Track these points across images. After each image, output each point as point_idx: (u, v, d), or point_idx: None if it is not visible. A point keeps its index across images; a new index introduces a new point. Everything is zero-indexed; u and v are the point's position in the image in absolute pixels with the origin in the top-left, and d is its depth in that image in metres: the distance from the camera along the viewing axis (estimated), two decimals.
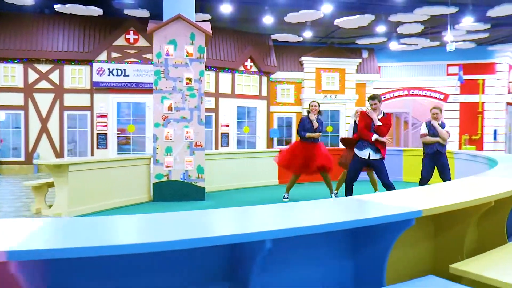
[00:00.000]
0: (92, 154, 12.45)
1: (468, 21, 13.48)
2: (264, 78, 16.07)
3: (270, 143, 16.22)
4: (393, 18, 13.15)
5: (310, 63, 17.35)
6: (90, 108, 12.63)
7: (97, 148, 12.45)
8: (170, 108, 7.73)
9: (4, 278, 1.77)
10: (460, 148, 17.17)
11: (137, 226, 2.34)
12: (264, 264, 2.35)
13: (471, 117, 17.69)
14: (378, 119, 6.58)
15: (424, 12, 12.53)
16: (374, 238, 2.82)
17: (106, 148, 12.47)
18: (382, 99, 19.51)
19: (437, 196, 3.37)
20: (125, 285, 2.12)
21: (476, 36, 15.42)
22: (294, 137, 17.50)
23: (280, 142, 17.09)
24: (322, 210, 2.86)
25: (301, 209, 2.89)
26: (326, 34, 16.53)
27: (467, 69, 17.76)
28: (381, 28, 14.90)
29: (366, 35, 16.56)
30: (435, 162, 7.42)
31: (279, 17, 13.06)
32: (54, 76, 12.67)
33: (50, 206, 6.65)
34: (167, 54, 7.72)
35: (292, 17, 12.54)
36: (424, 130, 7.55)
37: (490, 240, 3.61)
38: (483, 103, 17.97)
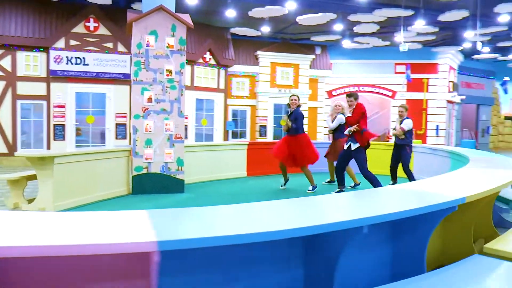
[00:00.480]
0: (48, 147, 11.92)
1: (420, 24, 14.26)
2: (222, 71, 16.10)
3: (226, 136, 16.30)
4: (353, 17, 13.66)
5: (266, 57, 17.57)
6: (46, 97, 12.05)
7: (54, 139, 11.93)
8: (150, 100, 7.62)
9: (141, 268, 1.80)
10: None
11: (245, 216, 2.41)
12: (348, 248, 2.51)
13: (416, 113, 18.71)
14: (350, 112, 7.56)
15: (382, 14, 13.13)
16: (415, 226, 3.05)
17: (64, 140, 11.97)
18: (333, 94, 20.12)
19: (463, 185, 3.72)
20: (221, 273, 2.19)
21: (424, 38, 16.36)
22: (248, 130, 17.72)
23: (234, 135, 17.24)
24: (381, 200, 3.05)
25: (367, 200, 3.06)
26: (283, 30, 16.78)
27: (413, 68, 18.76)
28: (338, 26, 15.41)
29: (321, 32, 17.02)
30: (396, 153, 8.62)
31: (243, 11, 13.13)
32: (6, 63, 11.95)
33: (29, 201, 6.36)
34: (148, 45, 7.59)
35: (257, 12, 12.66)
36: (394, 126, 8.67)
37: None
38: (427, 100, 19.10)
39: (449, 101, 19.55)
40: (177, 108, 7.78)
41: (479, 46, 14.76)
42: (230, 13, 13.26)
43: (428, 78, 19.12)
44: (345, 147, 7.67)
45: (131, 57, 12.00)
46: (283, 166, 8.51)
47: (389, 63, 19.53)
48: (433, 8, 13.27)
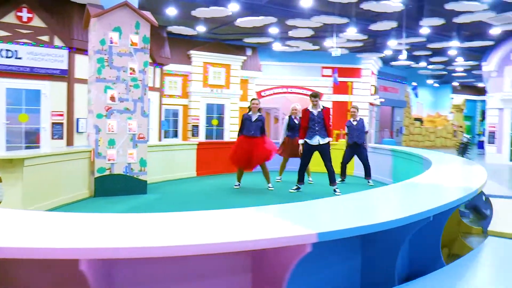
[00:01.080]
0: None
1: (351, 31, 15.15)
2: (158, 70, 15.81)
3: (160, 136, 16.05)
4: (291, 22, 14.14)
5: (199, 57, 17.55)
6: None
7: None
8: (113, 99, 7.37)
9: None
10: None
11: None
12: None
13: (342, 114, 19.79)
14: (319, 111, 8.02)
15: (320, 20, 13.75)
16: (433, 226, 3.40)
17: None
18: (262, 95, 20.59)
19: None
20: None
21: (352, 44, 17.37)
22: (181, 130, 17.59)
23: (167, 134, 17.03)
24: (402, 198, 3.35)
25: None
26: (218, 30, 16.87)
27: (339, 72, 19.81)
28: (273, 30, 15.86)
29: (254, 34, 17.37)
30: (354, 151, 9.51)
31: (186, 10, 13.04)
32: None
33: None
34: (111, 42, 7.33)
35: (200, 12, 12.64)
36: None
37: None
38: (351, 102, 20.26)
39: (370, 104, 20.92)
40: (140, 108, 7.61)
41: (404, 54, 16.03)
42: (171, 11, 13.10)
43: (352, 82, 20.30)
44: (310, 142, 7.96)
45: (69, 51, 11.56)
46: (240, 174, 8.66)
47: (317, 66, 20.42)
48: (366, 18, 14.19)
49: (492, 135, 16.53)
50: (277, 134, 24.06)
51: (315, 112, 8.05)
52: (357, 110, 9.57)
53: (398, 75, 24.83)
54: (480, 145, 21.85)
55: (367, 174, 9.49)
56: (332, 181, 8.14)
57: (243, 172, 8.66)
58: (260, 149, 8.27)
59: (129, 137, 7.52)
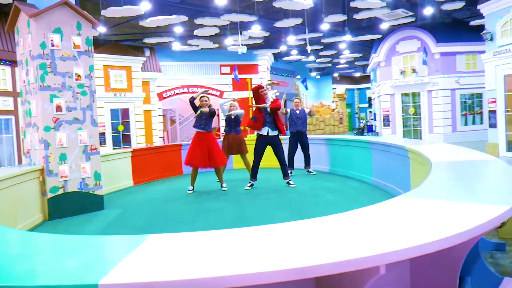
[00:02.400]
0: None
1: (256, 29, 15.49)
2: None
3: None
4: (199, 21, 13.96)
5: (99, 60, 16.42)
6: None
7: None
8: (59, 108, 6.60)
9: None
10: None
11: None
12: None
13: (245, 110, 20.07)
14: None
15: (229, 18, 13.80)
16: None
17: None
18: (164, 96, 20.16)
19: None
20: None
21: (253, 41, 17.73)
22: None
23: None
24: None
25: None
26: (118, 31, 15.99)
27: (238, 69, 20.08)
28: (178, 29, 15.53)
29: (154, 34, 16.84)
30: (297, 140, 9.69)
31: (95, 10, 12.12)
32: None
33: None
34: (53, 45, 6.55)
35: (112, 12, 11.85)
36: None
37: None
38: (252, 98, 20.69)
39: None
40: (90, 116, 6.93)
41: (308, 48, 16.80)
42: None
43: (251, 78, 20.73)
44: (260, 132, 8.06)
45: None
46: (195, 175, 8.32)
47: (215, 64, 20.47)
48: (273, 15, 14.61)
49: (387, 118, 18.22)
50: (174, 136, 23.71)
51: (266, 104, 8.13)
52: (300, 101, 9.82)
53: (288, 69, 25.98)
54: (369, 128, 23.92)
55: (307, 163, 9.80)
56: (285, 174, 8.29)
57: (197, 174, 8.36)
58: (217, 149, 8.09)
59: (81, 149, 6.81)
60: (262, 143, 8.17)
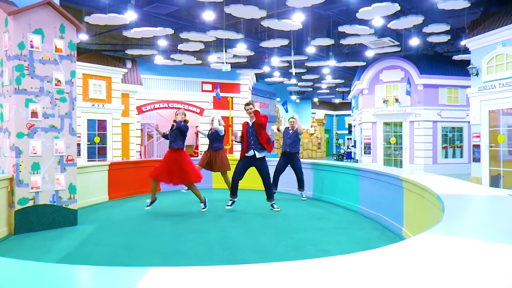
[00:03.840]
0: None
1: (241, 47, 15.32)
2: None
3: None
4: (185, 35, 13.69)
5: (78, 68, 15.80)
6: None
7: None
8: (35, 114, 6.14)
9: None
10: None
11: None
12: None
13: (225, 129, 19.80)
14: (252, 122, 7.64)
15: (215, 34, 13.58)
16: None
17: None
18: (143, 110, 19.82)
19: None
20: None
21: (237, 60, 17.54)
22: None
23: None
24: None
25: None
26: (100, 40, 15.58)
27: (220, 87, 19.82)
28: (162, 42, 15.23)
29: (138, 46, 16.51)
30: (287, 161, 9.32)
31: (78, 15, 11.73)
32: None
33: None
34: (32, 46, 6.13)
35: (95, 19, 11.47)
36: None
37: None
38: (232, 117, 20.43)
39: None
40: (68, 125, 6.48)
41: (293, 71, 16.69)
42: None
43: (232, 97, 20.48)
44: (246, 154, 7.64)
45: None
46: (155, 186, 7.81)
47: (197, 81, 20.16)
48: (259, 35, 14.47)
49: (368, 146, 18.16)
50: (151, 152, 23.14)
51: (250, 123, 7.72)
52: (296, 121, 9.44)
53: (268, 91, 25.87)
54: (348, 155, 23.87)
55: (301, 185, 9.34)
56: (269, 196, 7.85)
57: (157, 186, 7.90)
58: (186, 166, 7.65)
59: (56, 159, 6.34)
60: (247, 163, 7.78)
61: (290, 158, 9.23)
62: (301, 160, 9.69)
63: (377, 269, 1.82)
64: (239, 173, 7.78)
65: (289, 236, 5.82)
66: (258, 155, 7.63)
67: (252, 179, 9.31)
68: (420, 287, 1.57)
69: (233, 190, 7.87)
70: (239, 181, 7.87)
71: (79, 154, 15.41)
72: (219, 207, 8.10)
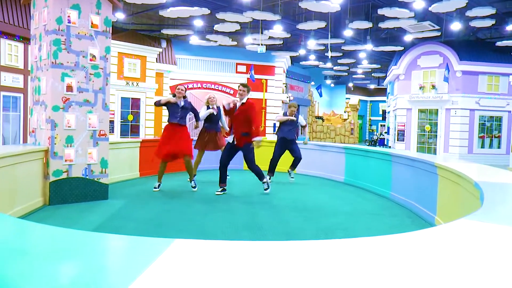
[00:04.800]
0: None
1: (278, 29, 15.11)
2: None
3: None
4: (221, 15, 13.60)
5: (114, 46, 16.09)
6: None
7: None
8: (70, 88, 6.23)
9: None
10: None
11: None
12: None
13: (258, 111, 19.74)
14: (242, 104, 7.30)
15: (251, 15, 13.43)
16: None
17: None
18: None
19: None
20: None
21: (273, 42, 17.35)
22: None
23: None
24: None
25: None
26: (136, 19, 15.68)
27: (254, 69, 19.72)
28: (198, 22, 15.19)
29: (174, 26, 16.53)
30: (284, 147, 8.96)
31: None
32: None
33: None
34: (69, 21, 6.19)
35: None
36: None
37: None
38: (266, 100, 20.34)
39: (282, 101, 21.20)
40: (101, 100, 6.55)
41: (329, 54, 16.40)
42: None
43: (266, 79, 20.35)
44: (229, 139, 7.44)
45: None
46: (163, 168, 7.81)
47: (231, 62, 20.12)
48: (296, 16, 14.23)
49: (401, 133, 17.77)
50: None
51: (238, 105, 7.33)
52: (296, 108, 9.18)
53: (303, 75, 25.58)
54: (381, 142, 23.45)
55: (294, 166, 9.07)
56: (260, 179, 7.61)
57: (165, 168, 7.88)
58: (184, 139, 7.63)
59: (89, 134, 6.44)
60: (231, 149, 7.48)
61: (287, 143, 8.90)
62: (333, 144, 9.49)
63: (411, 253, 1.73)
64: (225, 159, 7.49)
65: (318, 220, 5.75)
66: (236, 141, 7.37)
67: (283, 161, 9.23)
68: (459, 274, 1.47)
69: (222, 177, 7.48)
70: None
71: (112, 131, 15.72)
72: (248, 189, 8.09)
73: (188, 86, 19.77)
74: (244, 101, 7.34)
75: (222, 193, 7.44)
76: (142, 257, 1.55)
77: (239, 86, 7.52)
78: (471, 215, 2.34)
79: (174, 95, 7.76)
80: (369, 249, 1.77)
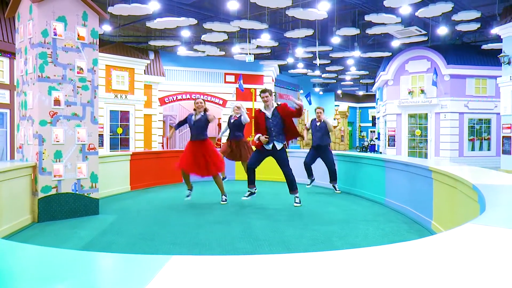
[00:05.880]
0: None
1: (265, 38, 15.12)
2: None
3: None
4: (208, 25, 13.56)
5: (101, 59, 15.96)
6: None
7: None
8: (58, 102, 6.11)
9: None
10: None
11: None
12: None
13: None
14: (274, 111, 7.04)
15: (239, 24, 13.41)
16: None
17: None
18: (166, 101, 19.91)
19: None
20: None
21: (260, 51, 17.35)
22: None
23: None
24: None
25: None
26: (123, 31, 15.60)
27: (243, 78, 19.68)
28: (185, 33, 15.14)
29: (161, 37, 16.48)
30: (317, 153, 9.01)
31: (102, 6, 11.70)
32: None
33: None
34: (55, 34, 6.09)
35: (119, 9, 11.43)
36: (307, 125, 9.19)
37: None
38: (255, 109, 20.26)
39: None
40: (90, 113, 6.44)
41: (317, 61, 16.42)
42: None
43: (255, 89, 20.32)
44: (266, 147, 7.11)
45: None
46: (186, 175, 7.65)
47: (220, 72, 20.08)
48: (283, 25, 14.24)
49: (392, 138, 17.80)
50: (171, 143, 23.19)
51: (268, 113, 7.08)
52: (323, 112, 9.16)
53: (292, 83, 25.62)
54: (372, 148, 23.48)
55: (333, 178, 8.96)
56: (292, 188, 7.32)
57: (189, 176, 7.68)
58: (214, 157, 7.48)
59: (78, 148, 6.31)
60: (266, 154, 7.30)
61: (320, 151, 8.93)
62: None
63: (420, 264, 1.65)
64: (254, 162, 7.32)
65: (314, 228, 5.66)
66: (277, 146, 7.11)
67: (275, 170, 9.13)
68: (474, 284, 1.40)
69: (250, 179, 7.37)
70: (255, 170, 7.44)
71: (102, 144, 15.54)
72: (241, 199, 7.97)
73: (176, 97, 19.71)
74: (275, 105, 7.10)
75: (249, 197, 7.40)
76: (137, 277, 1.45)
77: (260, 94, 7.15)
78: (476, 219, 2.26)
79: (194, 110, 7.51)
80: (374, 260, 1.69)
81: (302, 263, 1.65)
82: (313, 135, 9.02)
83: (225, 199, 7.70)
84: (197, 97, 7.94)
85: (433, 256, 1.69)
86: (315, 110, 9.18)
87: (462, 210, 4.47)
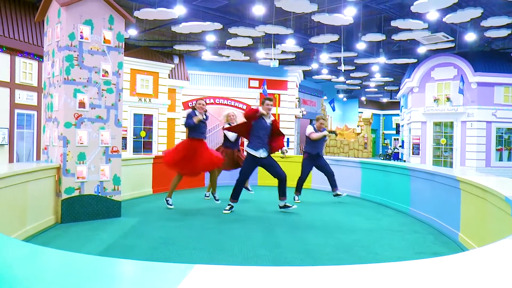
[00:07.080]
0: None
1: (290, 43, 15.05)
2: None
3: None
4: (233, 30, 13.58)
5: (126, 63, 16.15)
6: None
7: None
8: (82, 104, 6.16)
9: None
10: None
11: None
12: None
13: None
14: (271, 122, 7.11)
15: (264, 29, 13.38)
16: None
17: None
18: (189, 106, 20.15)
19: None
20: None
21: (285, 56, 17.29)
22: None
23: None
24: None
25: None
26: (149, 36, 15.76)
27: (267, 84, 19.65)
28: (210, 37, 15.19)
29: (186, 41, 16.58)
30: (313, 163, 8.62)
31: (128, 10, 11.84)
32: None
33: None
34: (82, 37, 6.15)
35: (145, 13, 11.54)
36: (311, 130, 8.56)
37: None
38: (279, 115, 20.22)
39: (295, 116, 21.07)
40: (114, 116, 6.48)
41: (342, 67, 16.29)
42: None
43: (279, 94, 20.26)
44: (256, 154, 6.94)
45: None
46: (177, 182, 7.71)
47: (244, 77, 20.08)
48: (309, 30, 14.16)
49: (416, 146, 17.48)
50: None
51: (267, 120, 7.02)
52: (326, 121, 9.03)
53: (316, 89, 25.47)
54: (395, 156, 23.13)
55: (334, 184, 8.65)
56: (282, 194, 7.11)
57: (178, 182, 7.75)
58: (208, 153, 7.53)
59: (101, 150, 6.35)
60: (256, 162, 7.16)
61: (318, 159, 8.60)
62: (348, 159, 9.28)
63: (457, 281, 1.56)
64: (247, 175, 7.26)
65: (337, 237, 5.55)
66: (264, 154, 7.03)
67: (290, 176, 9.03)
68: None
69: (237, 194, 7.18)
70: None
71: (125, 147, 15.69)
72: (264, 205, 7.92)
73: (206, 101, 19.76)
74: (271, 118, 7.18)
75: (229, 211, 7.15)
76: (160, 287, 1.40)
77: (266, 101, 7.06)
78: None
79: (194, 109, 7.58)
80: (406, 276, 1.60)
81: (327, 277, 1.58)
82: (315, 144, 8.54)
83: (217, 198, 8.02)
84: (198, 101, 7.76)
85: (468, 274, 1.59)
86: (318, 117, 8.73)
87: (494, 223, 4.31)
